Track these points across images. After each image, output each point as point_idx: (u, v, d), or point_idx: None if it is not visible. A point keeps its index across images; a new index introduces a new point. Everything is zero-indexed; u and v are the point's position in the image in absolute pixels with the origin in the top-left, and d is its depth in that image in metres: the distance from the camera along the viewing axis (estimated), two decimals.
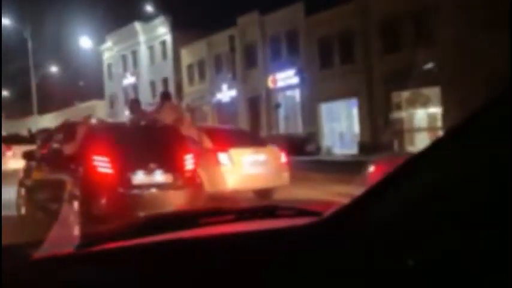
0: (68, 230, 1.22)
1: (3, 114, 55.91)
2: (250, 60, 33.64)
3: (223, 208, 1.60)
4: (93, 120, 7.81)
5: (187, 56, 39.60)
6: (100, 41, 48.54)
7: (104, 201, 6.32)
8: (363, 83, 26.28)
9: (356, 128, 27.69)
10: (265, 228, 1.28)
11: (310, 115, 29.48)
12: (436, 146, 0.90)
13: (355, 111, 27.74)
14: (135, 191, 6.35)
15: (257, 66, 33.16)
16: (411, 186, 0.89)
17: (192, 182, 6.90)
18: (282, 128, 31.56)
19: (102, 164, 6.29)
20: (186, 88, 40.09)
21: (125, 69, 46.99)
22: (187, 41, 39.17)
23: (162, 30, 42.09)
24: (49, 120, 51.66)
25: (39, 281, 1.03)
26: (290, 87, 30.86)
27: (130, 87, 46.10)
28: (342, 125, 29.29)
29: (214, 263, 1.02)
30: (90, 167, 6.30)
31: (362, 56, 26.44)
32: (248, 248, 1.08)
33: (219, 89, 36.26)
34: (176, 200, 6.56)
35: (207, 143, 9.55)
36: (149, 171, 6.45)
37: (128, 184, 6.32)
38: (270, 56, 32.29)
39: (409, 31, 23.63)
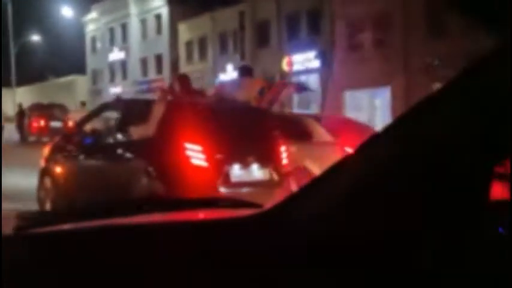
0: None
1: None
2: (262, 38, 30.38)
3: (165, 198, 1.71)
4: (170, 98, 6.24)
5: (186, 32, 35.96)
6: (83, 11, 44.24)
7: None
8: (398, 71, 23.52)
9: (379, 120, 24.98)
10: (202, 219, 1.31)
11: (332, 104, 26.57)
12: (372, 142, 0.92)
13: (379, 102, 25.07)
14: (235, 190, 4.93)
15: (270, 46, 29.96)
16: (348, 180, 0.91)
17: (287, 181, 5.43)
18: None
19: (196, 155, 4.84)
20: (183, 67, 36.45)
21: (112, 43, 42.89)
22: (186, 16, 35.60)
23: (158, 3, 38.26)
24: (24, 95, 47.07)
25: None
26: (309, 71, 27.84)
27: (117, 63, 42.09)
28: (365, 116, 26.54)
29: (145, 250, 1.01)
30: (180, 157, 4.83)
31: (400, 40, 23.64)
32: (185, 237, 1.05)
33: (223, 70, 32.86)
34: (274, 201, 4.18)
35: (324, 135, 7.64)
36: (246, 165, 5.13)
37: (227, 181, 4.98)
38: (286, 35, 29.15)
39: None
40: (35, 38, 40.01)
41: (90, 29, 45.77)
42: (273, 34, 29.78)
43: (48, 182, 6.25)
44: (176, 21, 36.46)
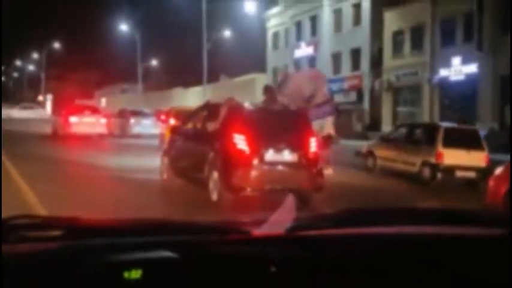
0: (287, 215, 1.31)
1: (143, 87, 52.05)
2: (509, 24, 23.94)
3: (419, 208, 2.01)
4: (234, 103, 8.31)
5: (394, 21, 30.73)
6: (265, 6, 41.40)
7: (240, 173, 7.08)
8: None
9: None
10: (461, 233, 1.36)
11: None
12: None
13: None
14: (267, 167, 7.20)
15: None
16: None
17: (314, 163, 7.49)
18: None
19: (240, 141, 7.13)
20: (388, 61, 31.34)
21: (299, 38, 39.32)
22: (392, 3, 30.40)
23: None
24: (193, 96, 45.85)
25: (258, 254, 1.17)
26: None
27: (305, 59, 38.34)
28: None
29: (415, 263, 1.10)
30: (230, 143, 7.17)
31: None
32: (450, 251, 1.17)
33: (446, 64, 27.04)
34: (300, 178, 7.16)
35: None
36: (279, 150, 7.24)
37: (261, 160, 7.16)
38: None
39: None
40: (225, 33, 38.03)
41: (272, 24, 42.87)
42: None
43: (165, 160, 9.23)
44: (380, 9, 31.47)
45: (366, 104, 33.01)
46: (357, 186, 10.05)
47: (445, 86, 27.63)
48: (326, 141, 12.15)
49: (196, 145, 8.21)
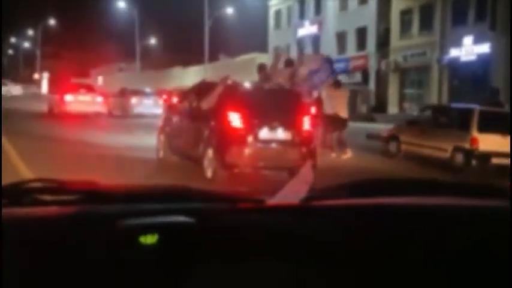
0: (302, 185, 1.26)
1: (142, 65, 50.89)
2: None
3: (437, 180, 1.63)
4: (229, 81, 8.52)
5: None
6: None
7: (234, 151, 7.20)
8: None
9: None
10: (471, 204, 1.34)
11: None
12: None
13: None
14: (260, 144, 7.36)
15: None
16: None
17: (307, 141, 7.62)
18: None
19: (235, 120, 7.26)
20: (395, 41, 30.47)
21: (302, 16, 38.28)
22: None
23: None
24: (192, 75, 44.80)
25: (268, 223, 1.15)
26: None
27: (308, 38, 37.40)
28: None
29: (422, 231, 1.11)
30: (225, 121, 7.29)
31: None
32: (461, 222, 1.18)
33: (457, 43, 26.22)
34: (293, 155, 7.21)
35: None
36: (273, 128, 7.38)
37: (255, 138, 7.30)
38: None
39: None
40: (227, 11, 36.93)
41: (274, 2, 41.73)
42: None
43: (161, 137, 9.17)
44: None
45: (372, 85, 32.22)
46: (383, 173, 9.37)
47: (455, 66, 26.85)
48: (339, 123, 11.54)
49: (191, 123, 8.25)
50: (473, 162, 9.07)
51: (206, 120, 7.63)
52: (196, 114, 8.07)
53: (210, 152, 7.30)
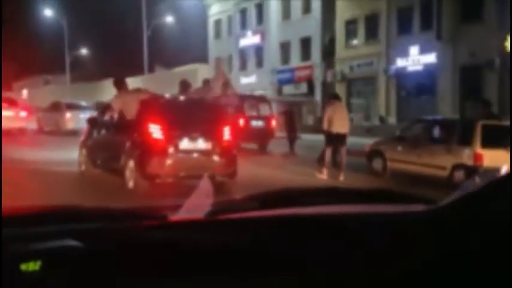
0: (203, 200, 1.25)
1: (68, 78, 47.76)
2: (470, 12, 23.41)
3: (339, 188, 1.71)
4: (148, 94, 8.51)
5: (347, 9, 29.57)
6: None
7: (155, 161, 7.30)
8: None
9: None
10: (383, 211, 1.34)
11: None
12: None
13: None
14: (181, 155, 7.45)
15: (482, 21, 22.94)
16: None
17: (227, 151, 7.77)
18: None
19: (156, 131, 7.39)
20: (341, 51, 30.19)
21: (244, 26, 37.32)
22: None
23: None
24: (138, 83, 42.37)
25: (174, 240, 1.12)
26: None
27: (251, 49, 36.49)
28: None
29: (331, 240, 1.11)
30: (145, 132, 7.42)
31: None
32: (370, 228, 1.16)
33: (403, 53, 26.25)
34: (213, 164, 7.46)
35: None
36: (193, 139, 7.51)
37: (176, 148, 7.41)
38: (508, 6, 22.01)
39: None
40: (165, 20, 35.17)
41: (214, 12, 40.53)
42: (487, 5, 22.75)
43: (83, 151, 9.30)
44: None
45: (318, 96, 31.71)
46: None
47: (402, 76, 26.84)
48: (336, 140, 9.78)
49: (113, 135, 8.41)
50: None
51: (127, 132, 7.76)
52: (118, 127, 8.18)
53: (131, 164, 7.39)
